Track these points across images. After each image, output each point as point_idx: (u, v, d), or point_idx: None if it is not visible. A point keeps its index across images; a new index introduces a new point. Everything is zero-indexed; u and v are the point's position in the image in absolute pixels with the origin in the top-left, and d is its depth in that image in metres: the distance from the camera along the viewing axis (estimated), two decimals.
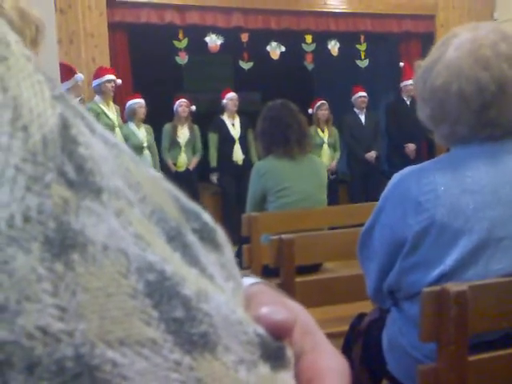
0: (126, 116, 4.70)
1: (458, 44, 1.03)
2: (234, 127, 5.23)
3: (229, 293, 0.21)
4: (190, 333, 0.17)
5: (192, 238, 0.21)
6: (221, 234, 0.24)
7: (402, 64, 5.69)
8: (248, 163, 4.94)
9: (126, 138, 4.55)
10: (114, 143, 0.21)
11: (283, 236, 1.59)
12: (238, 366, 0.18)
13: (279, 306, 0.23)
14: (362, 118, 5.52)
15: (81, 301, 0.15)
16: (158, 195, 0.21)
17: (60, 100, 0.18)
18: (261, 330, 0.20)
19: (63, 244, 0.16)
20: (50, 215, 0.16)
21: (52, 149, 0.17)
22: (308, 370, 0.24)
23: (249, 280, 0.28)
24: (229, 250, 0.24)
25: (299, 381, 0.23)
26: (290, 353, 0.21)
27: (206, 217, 0.24)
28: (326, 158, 5.33)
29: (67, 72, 3.75)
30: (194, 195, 5.12)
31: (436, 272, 1.00)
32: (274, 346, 0.20)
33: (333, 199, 4.64)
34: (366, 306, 1.38)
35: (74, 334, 0.15)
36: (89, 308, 0.15)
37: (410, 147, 5.27)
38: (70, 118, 0.18)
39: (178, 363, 0.17)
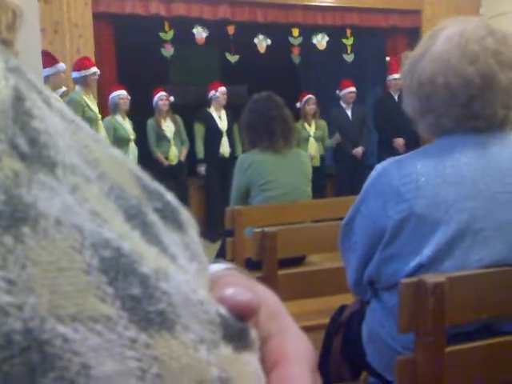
0: (110, 108, 4.67)
1: (445, 37, 1.04)
2: (221, 120, 5.23)
3: (192, 273, 0.21)
4: (147, 310, 0.17)
5: (153, 217, 0.21)
6: (185, 214, 0.23)
7: (387, 58, 5.71)
8: (234, 156, 4.94)
9: (115, 130, 4.52)
10: (72, 119, 0.20)
11: (266, 229, 1.59)
12: (198, 345, 0.18)
13: (244, 288, 0.22)
14: (349, 112, 5.53)
15: (31, 274, 0.15)
16: (118, 173, 0.20)
17: (14, 72, 0.18)
18: (223, 311, 0.20)
19: (13, 217, 0.15)
20: None
21: (3, 120, 0.16)
22: (273, 353, 0.23)
23: (220, 265, 0.28)
24: (193, 231, 0.23)
25: (265, 364, 0.23)
26: (254, 334, 0.21)
27: (170, 197, 0.23)
28: (313, 151, 5.35)
29: (49, 59, 3.70)
30: (185, 188, 5.13)
31: (414, 262, 1.00)
32: (237, 326, 0.20)
33: (319, 193, 4.66)
34: (349, 299, 1.39)
35: (22, 307, 0.15)
36: (39, 282, 0.15)
37: (399, 142, 5.29)
38: (24, 90, 0.17)
39: (133, 340, 0.16)
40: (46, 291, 0.15)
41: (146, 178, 0.23)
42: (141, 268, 0.17)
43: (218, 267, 0.27)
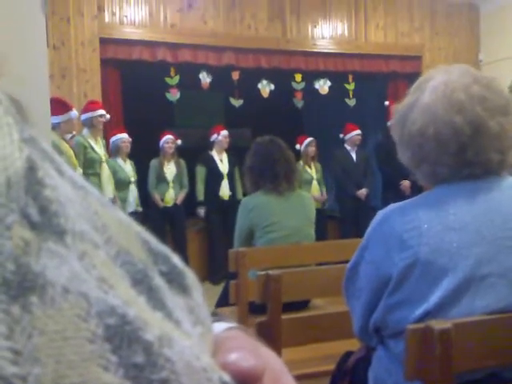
0: (111, 151, 4.74)
1: (432, 88, 1.06)
2: (223, 163, 5.28)
3: (195, 338, 0.21)
4: (150, 379, 0.17)
5: (159, 282, 0.21)
6: (190, 277, 0.24)
7: (387, 103, 5.81)
8: (234, 199, 4.97)
9: (114, 173, 4.57)
10: (82, 185, 0.21)
11: (270, 272, 1.58)
12: None
13: (248, 353, 0.22)
14: (353, 155, 5.60)
15: (37, 344, 0.15)
16: (125, 237, 0.21)
17: (29, 143, 0.18)
18: (226, 378, 0.20)
19: (21, 286, 0.16)
20: (9, 257, 0.16)
21: (15, 191, 0.17)
22: None
23: (223, 325, 0.28)
24: (198, 294, 0.24)
25: None
26: None
27: (176, 260, 0.23)
28: (317, 193, 5.38)
29: (62, 107, 3.78)
30: (182, 230, 5.12)
31: (420, 310, 0.99)
32: None
33: (322, 235, 4.64)
34: (354, 344, 1.36)
35: (27, 378, 0.15)
36: (44, 352, 0.15)
37: (406, 184, 5.31)
38: (37, 160, 0.18)
39: None
40: (51, 361, 0.15)
41: (153, 240, 0.23)
42: (145, 335, 0.17)
43: (222, 327, 0.27)
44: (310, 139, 5.54)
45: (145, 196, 5.04)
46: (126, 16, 5.16)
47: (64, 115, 3.79)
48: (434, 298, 0.98)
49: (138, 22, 5.20)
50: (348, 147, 5.61)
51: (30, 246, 0.16)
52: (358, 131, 5.59)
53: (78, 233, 0.18)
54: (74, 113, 3.93)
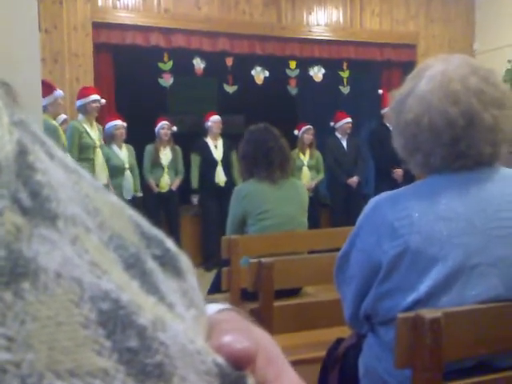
0: (106, 138, 4.71)
1: (429, 77, 1.05)
2: (217, 149, 5.27)
3: (189, 321, 0.21)
4: (145, 363, 0.17)
5: (152, 265, 0.21)
6: (184, 261, 0.24)
7: (380, 91, 5.81)
8: (230, 185, 4.96)
9: (108, 159, 4.55)
10: (74, 169, 0.21)
11: (262, 259, 1.59)
12: None
13: (241, 335, 0.22)
14: (344, 143, 5.60)
15: (30, 330, 0.15)
16: (118, 221, 0.21)
17: (19, 126, 0.18)
18: (220, 360, 0.20)
19: (13, 272, 0.15)
20: (0, 243, 0.16)
21: (6, 175, 0.17)
22: None
23: (216, 306, 0.28)
24: (192, 277, 0.24)
25: None
26: (251, 382, 0.21)
27: (169, 243, 0.23)
28: (307, 179, 5.41)
29: (45, 88, 3.74)
30: (176, 216, 5.12)
31: (410, 298, 1.00)
32: (234, 375, 0.20)
33: (314, 223, 4.66)
34: (345, 331, 1.37)
35: (21, 364, 0.15)
36: (38, 338, 0.15)
37: (398, 172, 5.32)
38: (28, 144, 0.18)
39: None
40: (44, 347, 0.15)
41: (145, 224, 0.23)
42: (139, 319, 0.17)
43: (215, 308, 0.27)
44: (307, 127, 5.56)
45: (140, 181, 5.04)
46: (119, 0, 5.10)
47: (49, 96, 3.75)
48: (424, 286, 0.99)
49: (132, 7, 5.14)
50: (339, 135, 5.62)
51: (22, 231, 0.16)
52: (349, 119, 5.59)
53: (69, 217, 0.18)
54: (59, 92, 3.87)
